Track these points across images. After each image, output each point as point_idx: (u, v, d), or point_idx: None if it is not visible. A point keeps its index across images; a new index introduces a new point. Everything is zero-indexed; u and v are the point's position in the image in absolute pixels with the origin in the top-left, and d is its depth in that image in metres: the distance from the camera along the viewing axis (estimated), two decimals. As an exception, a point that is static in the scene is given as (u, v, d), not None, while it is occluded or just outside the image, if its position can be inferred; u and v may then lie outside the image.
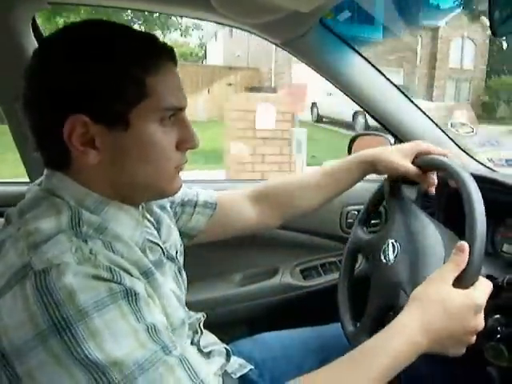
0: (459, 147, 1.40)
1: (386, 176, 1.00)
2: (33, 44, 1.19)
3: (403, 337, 0.67)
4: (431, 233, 0.86)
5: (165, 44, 0.66)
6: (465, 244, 0.72)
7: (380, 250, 0.90)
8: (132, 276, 0.59)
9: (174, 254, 0.82)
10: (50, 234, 0.56)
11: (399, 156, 0.94)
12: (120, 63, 0.60)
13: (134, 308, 0.56)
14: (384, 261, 0.88)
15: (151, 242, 0.74)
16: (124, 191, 0.67)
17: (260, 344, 1.09)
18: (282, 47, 1.22)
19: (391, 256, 0.87)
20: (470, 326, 0.70)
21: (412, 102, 1.35)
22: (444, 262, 0.77)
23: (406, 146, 0.96)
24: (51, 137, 0.62)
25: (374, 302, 0.86)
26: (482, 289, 0.72)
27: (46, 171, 0.68)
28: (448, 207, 1.21)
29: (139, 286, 0.60)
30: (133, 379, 0.52)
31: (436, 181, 0.94)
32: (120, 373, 0.52)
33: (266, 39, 1.22)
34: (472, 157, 1.41)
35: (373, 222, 1.10)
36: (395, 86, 1.33)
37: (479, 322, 0.70)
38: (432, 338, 0.68)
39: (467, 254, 0.72)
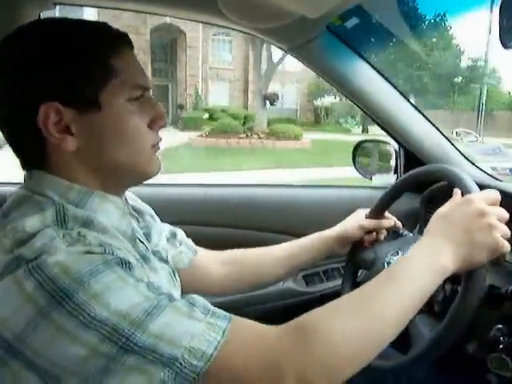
0: (463, 156, 1.40)
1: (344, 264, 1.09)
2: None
3: (425, 256, 0.69)
4: None
5: (118, 30, 0.68)
6: (457, 189, 0.78)
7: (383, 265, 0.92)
8: (123, 251, 0.60)
9: (165, 256, 0.82)
10: (36, 230, 0.56)
11: (359, 218, 1.05)
12: (85, 48, 0.63)
13: (130, 273, 0.56)
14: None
15: (139, 235, 0.74)
16: (104, 177, 0.67)
17: None
18: (290, 53, 1.22)
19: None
20: (474, 211, 0.71)
21: (418, 110, 1.35)
22: None
23: (355, 213, 1.08)
24: (25, 132, 0.63)
25: None
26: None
27: (24, 173, 0.67)
28: None
29: (132, 259, 0.60)
30: (144, 327, 0.52)
31: (392, 220, 1.05)
32: (130, 324, 0.52)
33: (273, 44, 1.22)
34: (476, 165, 1.40)
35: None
36: (401, 93, 1.33)
37: (482, 206, 0.71)
38: (453, 243, 0.70)
39: (460, 194, 0.77)
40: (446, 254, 0.69)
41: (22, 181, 0.68)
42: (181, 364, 0.52)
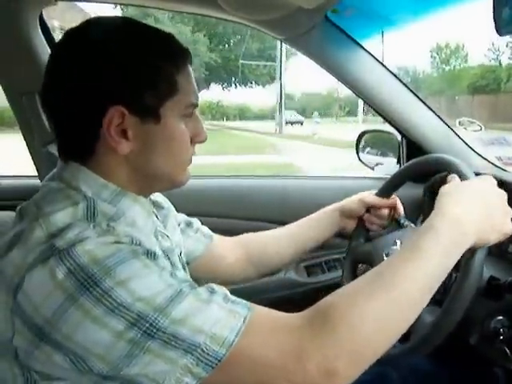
0: (468, 145, 1.38)
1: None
2: (40, 39, 1.19)
3: (452, 229, 0.66)
4: None
5: (183, 45, 0.70)
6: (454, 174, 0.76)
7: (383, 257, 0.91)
8: (149, 243, 0.63)
9: (178, 252, 0.83)
10: (67, 223, 0.58)
11: (362, 194, 1.04)
12: (158, 62, 0.66)
13: (154, 262, 0.59)
14: None
15: (161, 232, 0.76)
16: (141, 181, 0.70)
17: None
18: (287, 43, 1.21)
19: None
20: (490, 189, 0.72)
21: (420, 99, 1.34)
22: None
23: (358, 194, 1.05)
24: (86, 125, 0.65)
25: None
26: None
27: (59, 162, 0.69)
28: None
29: (157, 249, 0.65)
30: (167, 313, 0.54)
31: (395, 199, 1.02)
32: (154, 310, 0.54)
33: (270, 35, 1.21)
34: (480, 155, 1.39)
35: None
36: (403, 83, 1.32)
37: (495, 188, 0.72)
38: (473, 215, 0.67)
39: (458, 178, 0.75)
40: (470, 226, 0.67)
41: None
42: (202, 351, 0.54)
